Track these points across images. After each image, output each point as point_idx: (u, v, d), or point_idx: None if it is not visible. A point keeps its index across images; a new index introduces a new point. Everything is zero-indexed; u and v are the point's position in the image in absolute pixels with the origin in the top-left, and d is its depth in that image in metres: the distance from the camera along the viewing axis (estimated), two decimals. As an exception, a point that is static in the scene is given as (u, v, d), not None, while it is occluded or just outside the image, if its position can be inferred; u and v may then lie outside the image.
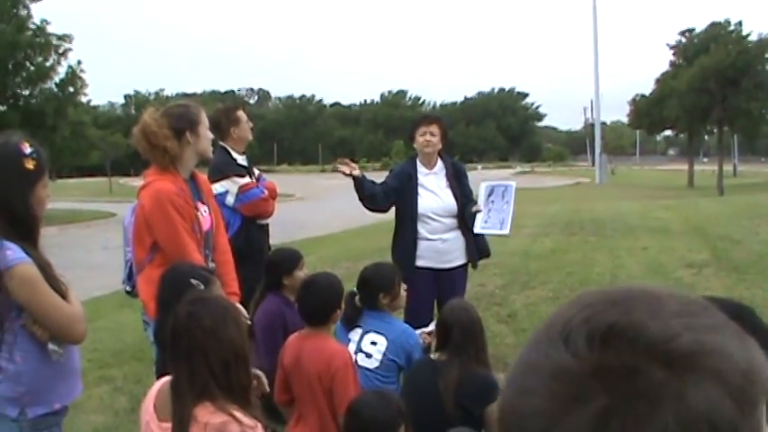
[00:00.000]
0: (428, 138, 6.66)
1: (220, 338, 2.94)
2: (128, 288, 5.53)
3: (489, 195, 6.77)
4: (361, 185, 6.48)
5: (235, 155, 6.76)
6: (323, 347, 4.33)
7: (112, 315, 11.05)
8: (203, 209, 4.98)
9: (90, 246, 20.23)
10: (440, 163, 6.79)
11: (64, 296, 3.44)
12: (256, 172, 6.99)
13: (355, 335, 5.03)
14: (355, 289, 5.10)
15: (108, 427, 6.60)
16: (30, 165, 3.42)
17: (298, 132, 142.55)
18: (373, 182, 6.64)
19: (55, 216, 28.58)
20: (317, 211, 31.27)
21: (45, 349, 3.39)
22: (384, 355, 4.88)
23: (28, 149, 3.43)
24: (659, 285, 0.85)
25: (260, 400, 5.28)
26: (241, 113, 6.90)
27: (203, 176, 5.24)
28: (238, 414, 2.89)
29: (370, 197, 6.55)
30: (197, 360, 2.92)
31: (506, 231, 6.67)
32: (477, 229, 6.66)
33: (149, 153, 4.78)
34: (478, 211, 6.65)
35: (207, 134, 5.01)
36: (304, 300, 4.50)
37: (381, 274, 5.24)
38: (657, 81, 55.78)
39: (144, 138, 4.74)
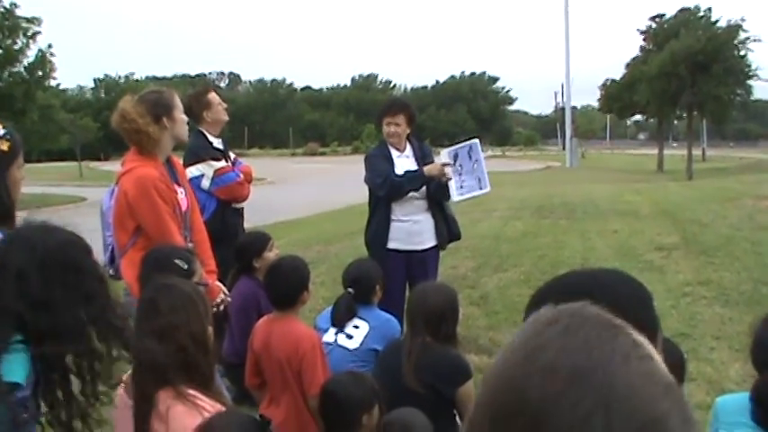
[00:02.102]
0: (393, 129, 6.72)
1: (177, 325, 2.98)
2: (110, 272, 5.50)
3: (455, 161, 6.79)
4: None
5: (210, 138, 6.77)
6: (291, 331, 4.37)
7: (84, 299, 11.01)
8: (180, 191, 5.04)
9: (60, 230, 20.06)
10: (408, 146, 6.85)
11: None
12: (232, 156, 6.99)
13: None
14: (350, 289, 5.12)
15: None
16: (3, 146, 3.41)
17: (268, 116, 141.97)
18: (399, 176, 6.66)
19: (25, 201, 27.96)
20: (289, 195, 31.20)
21: None
22: (365, 338, 4.93)
23: (1, 131, 3.42)
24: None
25: (232, 384, 5.36)
26: (213, 96, 6.87)
27: (177, 159, 5.28)
28: (198, 400, 2.93)
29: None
30: (156, 346, 2.96)
31: (487, 189, 6.74)
32: (455, 198, 6.71)
33: (134, 138, 4.84)
34: (449, 180, 6.65)
35: (182, 118, 5.09)
36: (270, 284, 4.55)
37: (369, 269, 5.35)
38: (628, 66, 56.11)
39: (126, 123, 4.79)
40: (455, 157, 6.82)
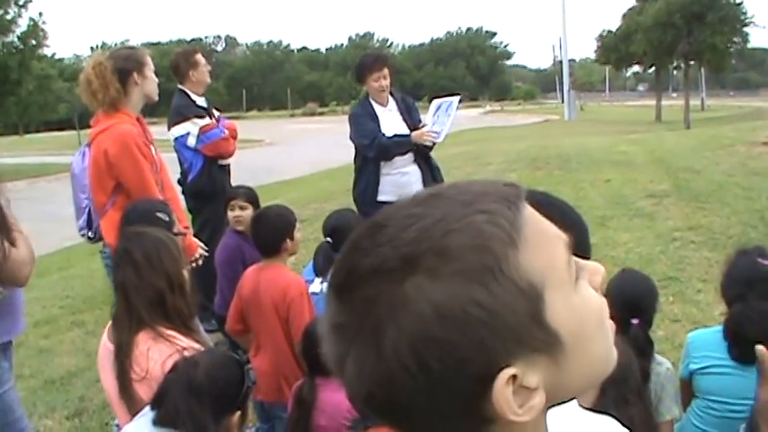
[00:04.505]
0: (382, 83, 6.78)
1: (153, 269, 3.11)
2: (90, 235, 5.54)
3: (437, 110, 7.04)
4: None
5: (194, 97, 6.87)
6: (278, 278, 4.44)
7: (83, 263, 11.16)
8: (152, 148, 5.10)
9: (59, 198, 19.99)
10: (391, 100, 6.94)
11: (11, 241, 3.47)
12: (216, 113, 7.09)
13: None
14: (328, 238, 5.19)
15: (81, 368, 6.77)
16: None
17: (266, 78, 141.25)
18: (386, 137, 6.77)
19: (24, 170, 28.45)
20: (287, 156, 31.27)
21: None
22: None
23: None
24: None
25: (225, 336, 5.47)
26: (199, 57, 6.99)
27: (143, 119, 5.28)
28: (177, 340, 3.07)
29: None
30: (131, 292, 3.09)
31: (439, 140, 6.89)
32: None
33: (97, 94, 4.86)
34: (423, 125, 6.90)
35: (153, 77, 5.12)
36: (256, 232, 4.61)
37: (347, 219, 5.38)
38: (624, 16, 55.73)
39: (88, 83, 4.85)
40: (438, 107, 7.09)
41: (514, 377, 0.85)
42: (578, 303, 0.91)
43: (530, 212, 0.90)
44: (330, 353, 0.90)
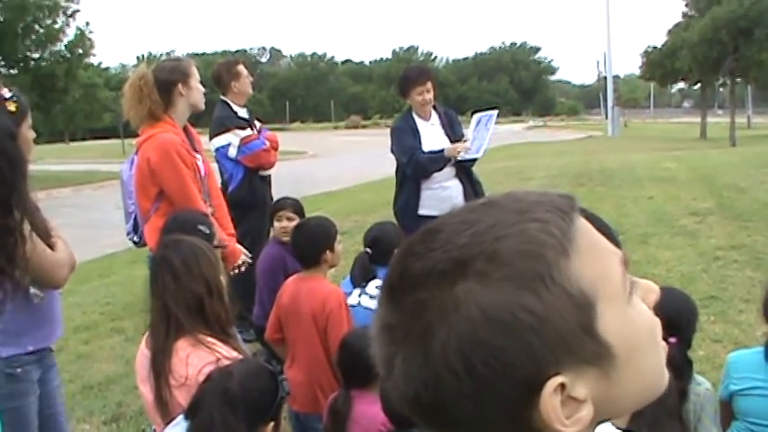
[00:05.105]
0: (425, 96, 6.76)
1: (191, 275, 3.13)
2: (135, 239, 5.66)
3: (477, 125, 7.02)
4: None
5: (235, 108, 6.92)
6: (318, 289, 4.44)
7: (125, 270, 11.26)
8: (198, 157, 5.18)
9: (103, 205, 20.31)
10: (434, 114, 6.92)
11: (49, 243, 3.47)
12: (258, 124, 7.13)
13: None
14: (368, 249, 5.18)
15: (119, 374, 6.82)
16: (11, 107, 3.48)
17: (310, 90, 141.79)
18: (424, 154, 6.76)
19: (69, 177, 28.76)
20: (330, 168, 31.33)
21: (26, 292, 3.40)
22: None
23: (7, 93, 3.50)
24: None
25: (264, 346, 5.48)
26: (241, 68, 7.04)
27: (192, 128, 5.39)
28: (216, 347, 3.09)
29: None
30: (170, 299, 3.11)
31: (479, 155, 6.87)
32: (458, 156, 6.82)
33: (135, 108, 4.95)
34: (466, 140, 6.87)
35: (198, 87, 5.20)
36: (296, 242, 4.63)
37: (388, 231, 5.35)
38: (669, 32, 55.34)
39: (127, 98, 4.95)
40: (478, 121, 7.06)
41: (563, 386, 0.85)
42: (632, 317, 0.92)
43: (583, 224, 0.91)
44: (379, 354, 0.93)
